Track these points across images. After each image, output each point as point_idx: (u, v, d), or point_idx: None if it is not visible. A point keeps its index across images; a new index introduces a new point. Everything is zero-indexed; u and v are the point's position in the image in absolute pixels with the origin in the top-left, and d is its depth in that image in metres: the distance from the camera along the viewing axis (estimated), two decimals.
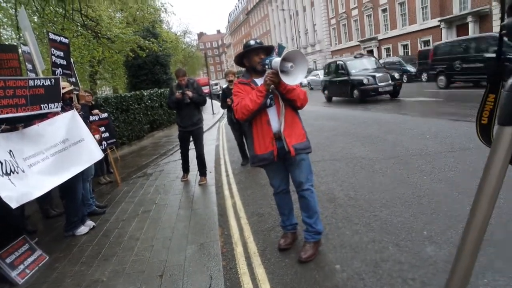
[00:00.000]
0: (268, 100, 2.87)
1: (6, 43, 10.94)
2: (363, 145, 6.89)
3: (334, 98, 17.28)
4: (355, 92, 14.40)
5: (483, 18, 23.89)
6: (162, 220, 4.45)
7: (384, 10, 34.67)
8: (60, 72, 4.83)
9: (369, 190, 4.42)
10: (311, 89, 28.93)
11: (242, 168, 6.72)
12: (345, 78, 15.06)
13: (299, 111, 3.05)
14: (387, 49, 34.93)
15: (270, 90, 2.80)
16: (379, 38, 35.75)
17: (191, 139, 6.06)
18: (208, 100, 26.27)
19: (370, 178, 4.88)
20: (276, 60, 2.65)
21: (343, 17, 42.21)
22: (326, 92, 17.58)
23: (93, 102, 6.95)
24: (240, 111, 2.86)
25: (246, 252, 3.39)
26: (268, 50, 3.03)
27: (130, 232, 4.17)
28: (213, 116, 18.59)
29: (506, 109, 0.64)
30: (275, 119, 2.93)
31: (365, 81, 13.65)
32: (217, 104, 25.87)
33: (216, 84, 45.71)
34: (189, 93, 5.56)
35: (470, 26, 24.52)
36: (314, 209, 3.06)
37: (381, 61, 25.98)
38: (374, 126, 8.52)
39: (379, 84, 13.41)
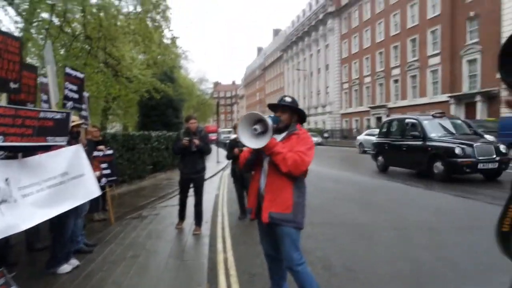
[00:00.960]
0: (266, 159, 2.83)
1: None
2: (365, 212, 6.73)
3: (392, 168, 13.03)
4: (437, 165, 10.20)
5: (492, 98, 24.40)
6: (149, 267, 4.27)
7: (396, 81, 35.74)
8: (71, 105, 4.91)
9: (368, 262, 4.24)
10: (364, 152, 22.10)
11: (239, 222, 6.55)
12: (419, 143, 10.90)
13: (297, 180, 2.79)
14: None
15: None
16: (389, 106, 36.49)
17: (191, 186, 5.98)
18: (214, 148, 26.38)
19: (370, 249, 4.71)
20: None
21: (355, 83, 43.49)
22: (380, 158, 13.34)
23: (101, 138, 6.99)
24: (239, 160, 3.04)
25: None
26: (295, 111, 2.94)
27: (114, 277, 3.99)
28: (217, 164, 18.58)
29: None
30: (263, 179, 2.87)
31: (457, 150, 9.56)
32: (222, 152, 26.06)
33: (229, 132, 45.67)
34: (196, 141, 5.56)
35: (479, 105, 25.01)
36: None
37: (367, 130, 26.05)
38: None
39: (479, 158, 9.44)
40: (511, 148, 13.67)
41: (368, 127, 37.37)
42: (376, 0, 38.94)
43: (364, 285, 3.60)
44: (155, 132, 13.70)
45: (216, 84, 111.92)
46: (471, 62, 26.77)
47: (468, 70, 27.12)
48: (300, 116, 3.00)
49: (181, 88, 21.47)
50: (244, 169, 3.05)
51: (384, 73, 37.44)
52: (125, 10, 13.87)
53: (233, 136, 7.39)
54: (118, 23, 11.50)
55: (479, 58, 25.89)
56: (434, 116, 11.83)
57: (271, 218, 2.72)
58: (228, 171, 15.80)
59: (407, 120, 12.39)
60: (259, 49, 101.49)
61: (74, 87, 5.06)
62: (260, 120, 2.65)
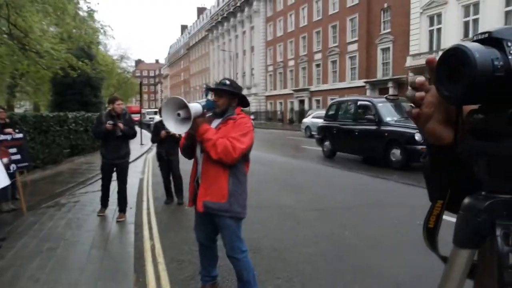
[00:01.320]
0: (198, 145, 2.77)
1: None
2: (290, 194, 7.03)
3: (340, 154, 12.08)
4: (395, 152, 9.39)
5: (401, 85, 26.69)
6: (69, 260, 4.02)
7: (318, 65, 37.25)
8: None
9: (294, 243, 4.45)
10: (311, 136, 19.76)
11: (166, 207, 6.43)
12: (374, 127, 10.09)
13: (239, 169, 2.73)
14: (318, 101, 37.15)
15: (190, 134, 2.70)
16: (312, 89, 38.02)
17: (114, 171, 5.68)
18: (137, 130, 25.29)
19: (296, 230, 4.94)
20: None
21: (280, 66, 44.48)
22: (327, 143, 12.22)
23: (7, 120, 6.29)
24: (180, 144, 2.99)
25: None
26: (234, 95, 2.83)
27: (29, 272, 3.67)
28: (141, 146, 17.90)
29: (461, 231, 0.64)
30: (199, 166, 2.81)
31: (417, 137, 8.68)
32: (146, 134, 25.13)
33: (155, 113, 43.32)
34: (121, 125, 5.26)
35: (390, 91, 27.22)
36: (241, 276, 2.81)
37: (311, 111, 26.72)
38: None
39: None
40: None
41: (292, 110, 38.73)
42: None
43: (291, 265, 3.78)
44: (72, 112, 12.71)
45: (139, 62, 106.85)
46: (385, 50, 28.86)
47: (382, 57, 29.21)
48: (240, 100, 2.89)
49: (100, 65, 20.06)
50: (184, 155, 3.00)
51: (307, 57, 38.75)
52: None
53: (158, 118, 7.16)
54: None
55: (391, 47, 28.00)
56: (387, 99, 10.93)
57: (205, 207, 2.67)
58: (152, 153, 15.33)
59: (359, 103, 11.35)
60: (183, 27, 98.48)
61: None
62: (184, 106, 2.51)
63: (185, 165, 4.77)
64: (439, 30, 23.87)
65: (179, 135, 6.01)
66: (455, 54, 0.55)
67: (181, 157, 6.27)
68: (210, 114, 2.81)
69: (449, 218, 0.71)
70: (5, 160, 4.71)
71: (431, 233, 0.73)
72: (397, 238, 4.43)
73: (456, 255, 0.64)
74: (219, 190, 2.65)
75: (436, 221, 0.73)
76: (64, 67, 12.01)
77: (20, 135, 6.20)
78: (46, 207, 6.40)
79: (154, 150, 16.83)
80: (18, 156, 6.01)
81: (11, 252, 4.24)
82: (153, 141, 6.79)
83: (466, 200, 0.64)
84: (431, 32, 24.48)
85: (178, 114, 2.47)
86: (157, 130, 6.33)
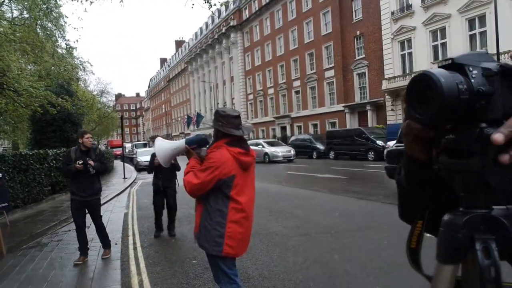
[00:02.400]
0: None
1: None
2: (276, 220, 7.01)
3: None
4: None
5: (379, 108, 27.38)
6: None
7: (297, 92, 37.96)
8: None
9: (283, 269, 4.42)
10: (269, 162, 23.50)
11: (152, 241, 6.31)
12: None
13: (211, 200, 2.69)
14: (299, 127, 37.62)
15: None
16: (292, 116, 38.55)
17: (87, 211, 5.34)
18: (120, 164, 24.94)
19: (284, 256, 4.92)
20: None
21: (260, 94, 45.12)
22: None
23: None
24: None
25: None
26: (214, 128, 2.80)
27: None
28: (124, 180, 17.65)
29: (444, 247, 0.67)
30: None
31: None
32: (129, 167, 24.78)
33: (145, 145, 42.30)
34: (92, 163, 4.99)
35: (369, 113, 27.86)
36: None
37: (293, 137, 28.80)
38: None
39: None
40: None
41: (274, 137, 39.03)
42: (275, 16, 41.07)
43: None
44: (52, 150, 12.51)
45: (119, 96, 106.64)
46: (361, 75, 29.74)
47: (358, 82, 30.05)
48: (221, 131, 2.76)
49: (81, 101, 19.96)
50: None
51: (286, 84, 39.49)
52: (8, 15, 12.53)
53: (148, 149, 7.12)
54: (0, 29, 10.32)
55: (366, 72, 28.89)
56: None
57: (197, 238, 2.77)
58: (136, 187, 15.11)
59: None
60: (162, 60, 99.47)
61: None
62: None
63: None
64: (410, 54, 24.90)
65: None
66: (423, 80, 0.60)
67: (177, 189, 6.26)
68: (194, 146, 2.87)
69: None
70: None
71: (414, 253, 0.76)
72: (387, 260, 4.45)
73: (440, 271, 0.66)
74: (196, 222, 2.75)
75: (418, 241, 0.76)
76: (43, 104, 11.91)
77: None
78: (27, 248, 6.19)
79: (138, 183, 16.65)
80: None
81: None
82: (149, 171, 6.73)
83: (446, 217, 0.66)
84: (403, 56, 25.49)
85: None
86: (152, 160, 6.17)
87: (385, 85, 25.57)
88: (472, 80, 0.58)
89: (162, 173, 6.22)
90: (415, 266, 0.76)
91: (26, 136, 20.50)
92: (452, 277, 0.65)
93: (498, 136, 0.54)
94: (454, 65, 0.61)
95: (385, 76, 25.95)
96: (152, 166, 6.27)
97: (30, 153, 10.56)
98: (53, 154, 12.03)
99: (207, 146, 2.94)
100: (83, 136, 5.11)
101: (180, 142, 2.93)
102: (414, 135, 0.68)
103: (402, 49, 25.47)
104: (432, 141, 0.67)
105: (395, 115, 25.50)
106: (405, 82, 23.44)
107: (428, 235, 0.74)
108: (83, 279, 4.55)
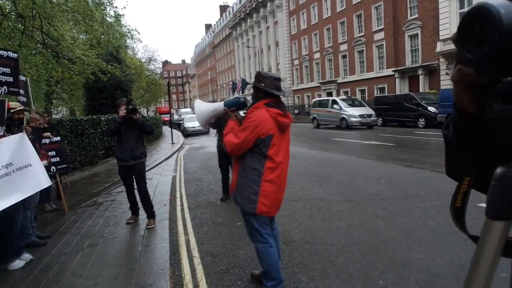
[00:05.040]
0: None
1: None
2: (321, 186, 6.97)
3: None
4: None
5: (432, 72, 25.78)
6: (109, 255, 4.17)
7: (344, 56, 36.59)
8: (5, 90, 4.53)
9: (326, 234, 4.42)
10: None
11: (198, 203, 6.54)
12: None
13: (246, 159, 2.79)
14: (346, 92, 36.54)
15: None
16: (339, 81, 37.43)
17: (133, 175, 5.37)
18: (168, 129, 25.77)
19: (328, 221, 4.90)
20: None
21: (306, 59, 43.99)
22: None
23: (46, 125, 6.57)
24: None
25: None
26: (255, 88, 2.87)
27: (72, 268, 3.85)
28: (172, 145, 18.26)
29: (495, 202, 0.60)
30: None
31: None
32: (176, 133, 25.56)
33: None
34: (137, 115, 5.00)
35: (421, 78, 26.34)
36: (262, 266, 2.95)
37: None
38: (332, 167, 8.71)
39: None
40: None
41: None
42: None
43: (323, 256, 3.76)
44: (104, 115, 13.13)
45: (166, 63, 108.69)
46: (413, 37, 27.92)
47: (410, 45, 28.30)
48: (263, 91, 2.80)
49: (129, 69, 20.60)
50: None
51: (333, 49, 38.12)
52: None
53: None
54: (54, 0, 10.69)
55: (419, 33, 27.06)
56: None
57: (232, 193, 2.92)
58: (183, 152, 15.60)
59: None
60: (207, 26, 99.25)
61: (7, 70, 4.64)
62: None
63: None
64: None
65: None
66: (478, 14, 0.51)
67: None
68: (233, 109, 2.98)
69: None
70: (45, 162, 4.93)
71: (458, 212, 0.70)
72: (434, 229, 4.30)
73: (490, 228, 0.60)
74: (233, 180, 2.89)
75: (463, 200, 0.70)
76: (95, 71, 12.42)
77: (58, 138, 6.48)
78: (85, 206, 6.67)
79: (186, 148, 17.15)
80: (57, 159, 6.30)
81: (55, 249, 4.46)
82: (213, 126, 6.38)
83: (499, 170, 0.60)
84: (461, 14, 23.45)
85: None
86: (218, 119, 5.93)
87: (439, 47, 23.85)
88: None
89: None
90: (460, 226, 0.71)
91: (81, 103, 21.65)
92: (503, 236, 0.59)
93: None
94: None
95: (440, 37, 24.14)
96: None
97: (85, 119, 11.14)
98: (105, 119, 12.61)
99: (245, 109, 2.94)
100: (119, 106, 5.08)
101: (219, 104, 2.98)
102: (466, 82, 0.61)
103: (461, 6, 23.40)
104: (485, 90, 0.59)
105: (450, 80, 23.90)
106: None
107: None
108: (135, 236, 4.84)
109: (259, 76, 2.82)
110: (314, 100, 27.79)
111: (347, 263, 3.54)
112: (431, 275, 3.17)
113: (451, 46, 22.88)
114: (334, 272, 3.37)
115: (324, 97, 33.62)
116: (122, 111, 4.93)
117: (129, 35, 19.48)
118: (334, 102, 22.61)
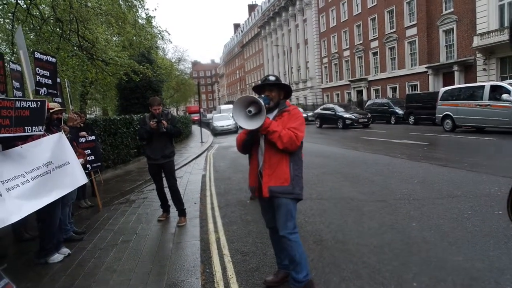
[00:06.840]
0: (262, 137, 2.92)
1: None
2: (352, 185, 6.87)
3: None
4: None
5: (468, 68, 24.81)
6: (142, 252, 4.27)
7: (374, 53, 35.83)
8: (44, 91, 4.73)
9: (358, 234, 4.35)
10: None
11: (228, 202, 6.58)
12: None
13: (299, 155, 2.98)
14: (376, 90, 35.81)
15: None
16: (369, 79, 36.71)
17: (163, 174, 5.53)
18: (197, 128, 26.17)
19: (359, 221, 4.82)
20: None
21: (335, 57, 43.40)
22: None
23: (82, 124, 6.82)
24: (236, 142, 3.17)
25: None
26: (282, 88, 3.03)
27: (106, 263, 3.98)
28: (201, 144, 18.50)
29: None
30: (261, 156, 2.97)
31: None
32: (206, 132, 25.88)
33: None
34: (164, 123, 5.15)
35: (456, 74, 25.40)
36: (292, 257, 2.90)
37: (370, 101, 27.67)
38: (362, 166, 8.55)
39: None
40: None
41: (350, 101, 37.64)
42: None
43: (355, 256, 3.70)
44: (136, 115, 13.46)
45: (195, 63, 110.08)
46: (447, 32, 26.96)
47: (444, 40, 27.35)
48: (285, 91, 3.08)
49: (160, 69, 21.03)
50: (242, 151, 3.13)
51: (363, 46, 37.41)
52: None
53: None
54: (89, 4, 11.06)
55: (454, 28, 26.10)
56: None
57: (270, 191, 2.86)
58: (213, 150, 15.77)
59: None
60: (236, 26, 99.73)
61: (46, 73, 4.85)
62: (253, 102, 2.75)
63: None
64: (510, 4, 21.82)
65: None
66: None
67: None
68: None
69: None
70: (81, 160, 5.11)
71: None
72: (470, 230, 4.14)
73: None
74: (283, 175, 2.87)
75: None
76: (127, 72, 12.76)
77: (93, 137, 6.70)
78: (118, 204, 6.86)
79: (215, 147, 17.32)
80: (92, 157, 6.52)
81: (91, 245, 4.62)
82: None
83: None
84: (501, 7, 22.38)
85: (249, 111, 2.71)
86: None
87: (476, 41, 22.88)
88: None
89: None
90: None
91: (114, 103, 22.30)
92: None
93: None
94: None
95: (477, 32, 23.16)
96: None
97: (118, 118, 11.47)
98: (137, 119, 12.93)
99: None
100: (152, 106, 5.21)
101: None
102: None
103: None
104: None
105: (487, 75, 22.83)
106: (502, 37, 20.75)
107: None
108: (166, 234, 4.93)
109: (279, 78, 3.10)
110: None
111: (379, 264, 3.46)
112: (470, 279, 3.05)
113: (489, 40, 21.93)
114: (366, 273, 3.30)
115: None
116: (153, 125, 5.05)
117: (159, 36, 19.84)
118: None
